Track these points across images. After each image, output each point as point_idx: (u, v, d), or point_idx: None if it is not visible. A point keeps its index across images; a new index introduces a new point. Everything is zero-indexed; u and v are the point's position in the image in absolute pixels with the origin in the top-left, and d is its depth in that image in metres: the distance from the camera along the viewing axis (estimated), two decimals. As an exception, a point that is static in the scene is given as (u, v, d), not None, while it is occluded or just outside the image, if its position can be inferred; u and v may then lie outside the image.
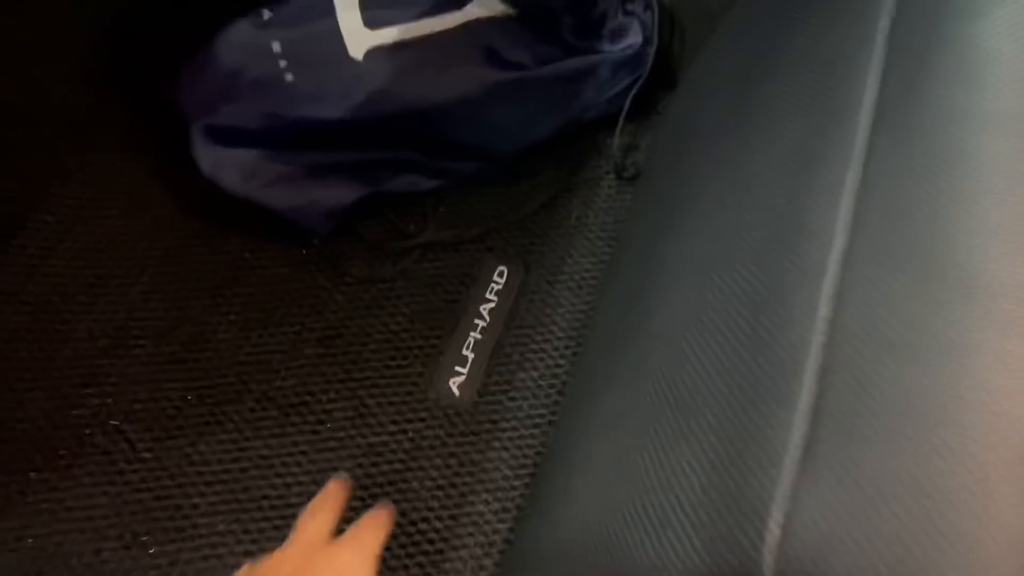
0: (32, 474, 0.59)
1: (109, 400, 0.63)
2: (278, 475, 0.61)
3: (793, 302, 0.35)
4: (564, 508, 0.41)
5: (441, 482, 0.61)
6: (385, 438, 0.63)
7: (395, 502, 0.59)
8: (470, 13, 0.68)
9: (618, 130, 0.72)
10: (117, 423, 0.62)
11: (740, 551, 0.31)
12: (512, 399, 0.65)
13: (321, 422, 0.63)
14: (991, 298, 0.32)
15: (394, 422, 0.63)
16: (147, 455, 0.61)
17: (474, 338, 0.67)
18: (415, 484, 0.61)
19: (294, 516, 0.47)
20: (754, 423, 0.33)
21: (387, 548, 0.53)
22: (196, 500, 0.59)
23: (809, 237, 0.36)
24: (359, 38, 0.65)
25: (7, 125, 0.67)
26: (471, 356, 0.66)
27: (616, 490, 0.37)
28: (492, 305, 0.69)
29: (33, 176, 0.71)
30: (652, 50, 0.71)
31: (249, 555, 0.56)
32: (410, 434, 0.63)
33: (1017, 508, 0.28)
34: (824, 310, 0.34)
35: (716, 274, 0.39)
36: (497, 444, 0.63)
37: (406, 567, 0.58)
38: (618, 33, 0.69)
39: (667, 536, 0.33)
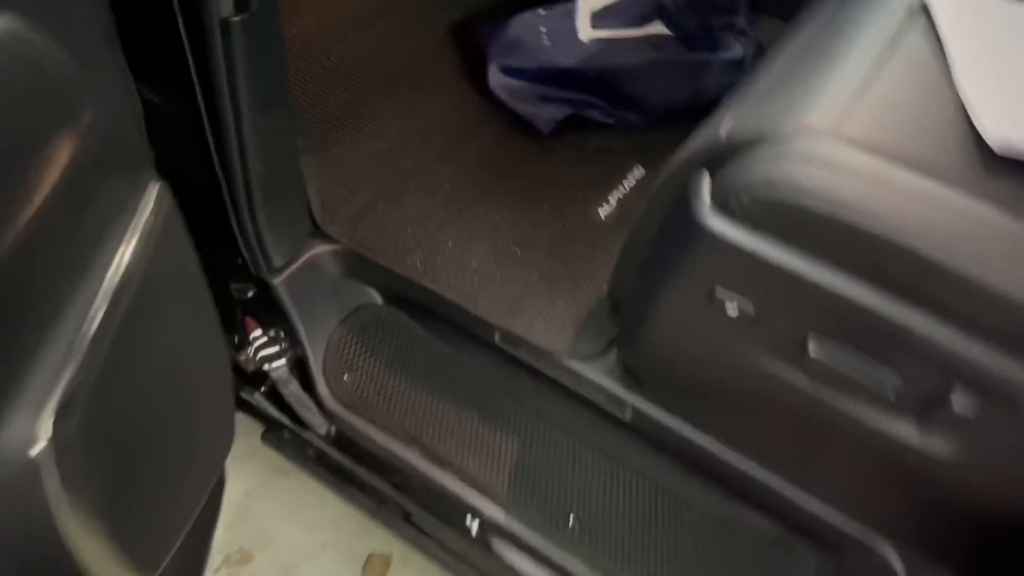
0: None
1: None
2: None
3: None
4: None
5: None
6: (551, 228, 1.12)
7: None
8: (650, 29, 1.23)
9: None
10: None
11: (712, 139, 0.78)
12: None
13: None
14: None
15: (554, 223, 1.13)
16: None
17: (616, 196, 1.17)
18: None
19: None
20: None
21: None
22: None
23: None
24: (586, 32, 1.22)
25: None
26: (615, 199, 1.16)
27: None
28: (633, 183, 1.19)
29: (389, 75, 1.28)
30: (750, 63, 1.22)
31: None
32: (562, 239, 1.12)
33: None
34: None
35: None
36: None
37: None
38: (729, 47, 1.21)
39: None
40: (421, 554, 1.20)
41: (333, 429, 1.09)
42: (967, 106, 0.73)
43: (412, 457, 1.02)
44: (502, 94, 1.22)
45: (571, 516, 0.96)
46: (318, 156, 1.10)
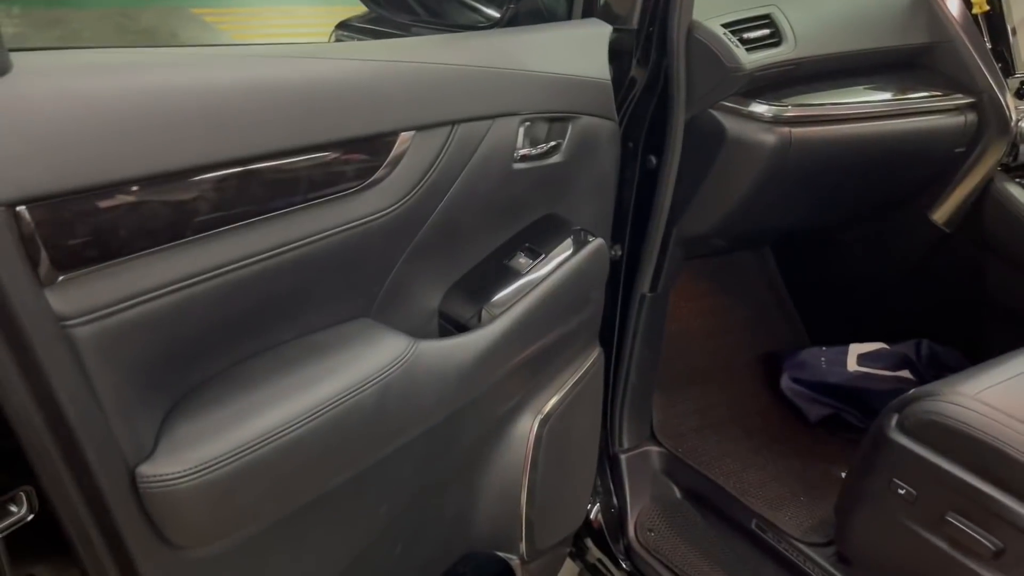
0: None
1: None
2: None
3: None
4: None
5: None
6: (806, 473, 1.66)
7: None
8: (899, 372, 1.82)
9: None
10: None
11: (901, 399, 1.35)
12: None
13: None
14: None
15: (808, 471, 1.67)
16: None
17: (858, 470, 1.69)
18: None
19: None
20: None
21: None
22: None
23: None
24: (852, 365, 1.83)
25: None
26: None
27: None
28: (869, 466, 1.71)
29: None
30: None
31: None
32: (810, 480, 1.65)
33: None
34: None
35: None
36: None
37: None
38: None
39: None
40: None
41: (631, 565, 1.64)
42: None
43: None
44: (788, 393, 1.85)
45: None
46: (662, 392, 1.80)
